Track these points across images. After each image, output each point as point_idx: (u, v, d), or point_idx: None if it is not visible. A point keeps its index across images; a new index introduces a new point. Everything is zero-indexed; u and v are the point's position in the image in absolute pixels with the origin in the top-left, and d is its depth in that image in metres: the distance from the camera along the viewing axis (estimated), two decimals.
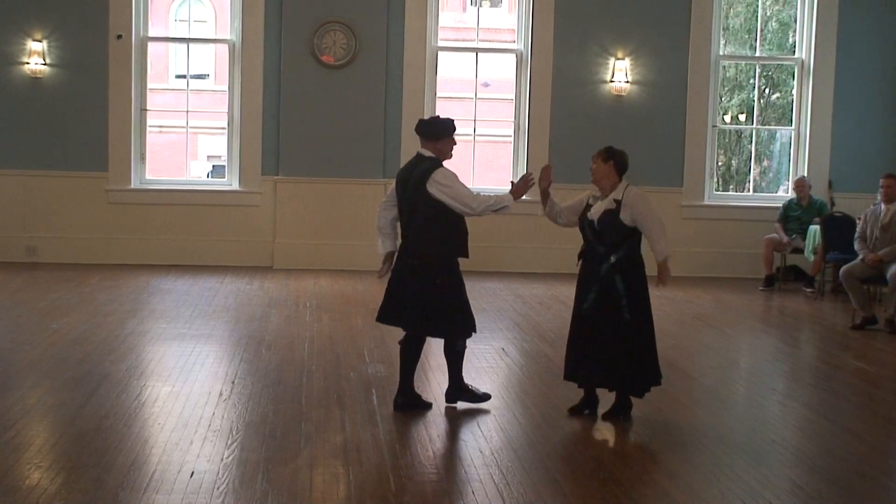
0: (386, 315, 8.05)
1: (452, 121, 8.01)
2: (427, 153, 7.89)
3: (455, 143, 8.01)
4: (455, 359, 8.00)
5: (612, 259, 7.76)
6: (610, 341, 7.75)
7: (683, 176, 16.05)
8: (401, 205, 7.95)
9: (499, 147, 19.89)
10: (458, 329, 7.91)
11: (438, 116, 8.16)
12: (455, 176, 7.79)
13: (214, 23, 28.21)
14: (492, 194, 7.96)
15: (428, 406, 7.98)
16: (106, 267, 14.94)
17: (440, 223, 7.74)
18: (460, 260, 7.90)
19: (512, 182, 8.11)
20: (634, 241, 7.85)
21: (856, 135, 16.12)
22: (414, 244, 7.83)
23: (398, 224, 8.08)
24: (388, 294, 8.02)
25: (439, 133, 7.91)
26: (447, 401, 8.06)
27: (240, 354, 9.71)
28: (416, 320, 7.84)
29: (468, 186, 7.87)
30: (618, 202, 7.78)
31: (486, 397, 8.10)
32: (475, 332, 8.03)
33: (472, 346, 9.55)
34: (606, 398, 7.97)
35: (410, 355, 7.98)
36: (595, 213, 7.84)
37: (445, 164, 7.89)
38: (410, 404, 7.93)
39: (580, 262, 8.01)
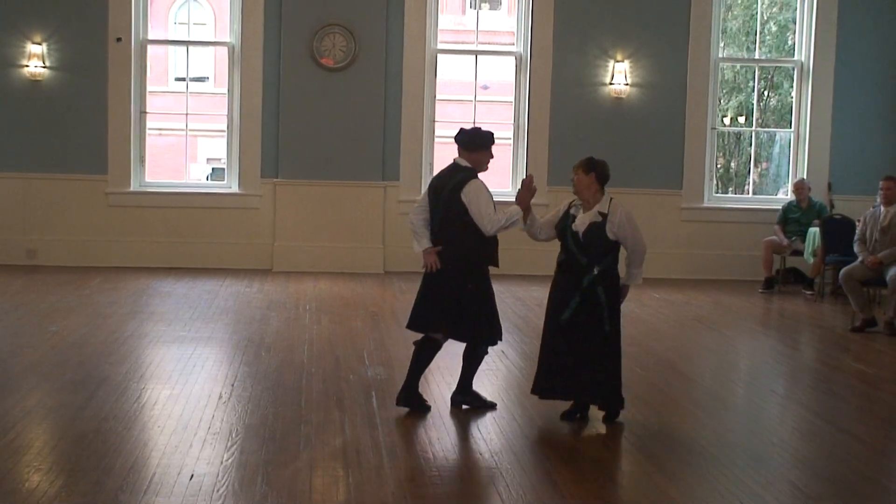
0: (417, 322, 8.10)
1: (493, 134, 8.12)
2: (464, 163, 7.97)
3: (493, 157, 8.10)
4: (473, 363, 8.12)
5: (596, 271, 7.77)
6: (590, 354, 7.75)
7: (683, 178, 16.05)
8: (433, 212, 8.01)
9: (498, 149, 19.81)
10: (484, 335, 8.00)
11: (480, 128, 8.18)
12: (485, 191, 7.89)
13: (214, 25, 28.22)
14: (503, 212, 7.94)
15: (427, 409, 7.97)
16: (105, 269, 14.94)
17: (473, 231, 7.82)
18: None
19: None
20: (616, 255, 7.90)
21: (855, 137, 16.13)
22: (446, 251, 7.90)
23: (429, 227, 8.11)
24: (419, 301, 8.10)
25: (480, 144, 8.00)
26: (453, 403, 8.11)
27: (239, 357, 9.71)
28: (445, 323, 7.92)
29: (493, 204, 7.92)
30: (604, 215, 7.80)
31: (492, 405, 8.12)
32: (500, 340, 8.15)
33: None
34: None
35: (423, 359, 8.05)
36: (580, 225, 7.83)
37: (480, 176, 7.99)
38: (412, 402, 7.95)
39: (557, 271, 8.00)
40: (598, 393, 7.84)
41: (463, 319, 7.87)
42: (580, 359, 7.76)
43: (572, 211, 7.94)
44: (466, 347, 8.09)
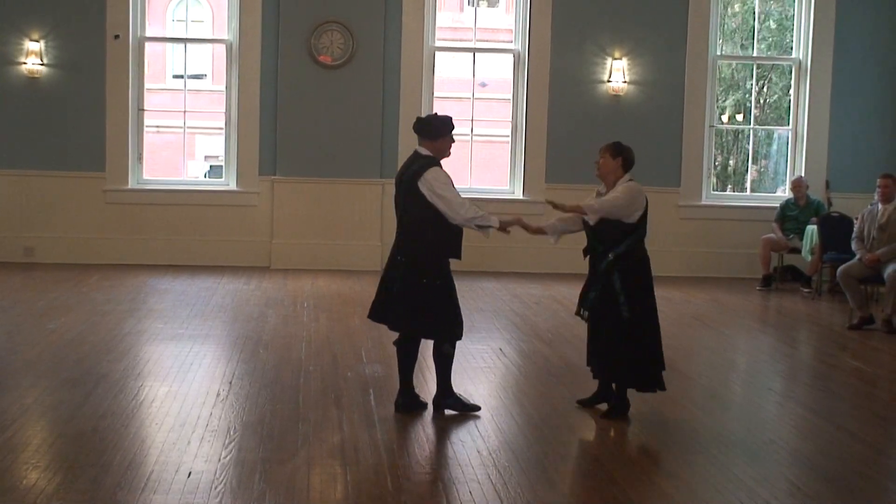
0: (375, 312, 7.97)
1: (450, 118, 7.90)
2: (424, 151, 7.81)
3: (453, 142, 7.91)
4: (442, 363, 7.85)
5: (611, 256, 7.79)
6: (609, 339, 7.77)
7: (681, 176, 16.05)
8: (396, 202, 7.92)
9: (496, 147, 19.89)
10: (441, 331, 7.76)
11: (437, 114, 8.08)
12: (447, 177, 7.69)
13: (212, 23, 28.19)
14: (481, 210, 7.76)
15: (424, 406, 7.95)
16: (103, 267, 14.93)
17: (431, 222, 7.64)
18: (453, 261, 7.81)
19: (524, 220, 8.02)
20: (635, 239, 7.85)
21: (853, 135, 16.13)
22: (405, 242, 7.78)
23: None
24: (379, 291, 7.96)
25: (437, 132, 7.82)
26: (434, 407, 7.92)
27: (237, 354, 9.71)
28: (401, 318, 7.77)
29: (456, 190, 7.74)
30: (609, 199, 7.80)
31: (475, 408, 7.90)
32: (459, 338, 7.85)
33: (470, 346, 9.59)
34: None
35: (407, 356, 7.92)
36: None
37: (444, 163, 7.83)
38: (412, 405, 7.89)
39: (586, 258, 8.03)
40: (617, 371, 7.87)
41: (419, 315, 7.69)
42: (603, 344, 7.83)
43: (595, 198, 7.96)
44: (433, 347, 7.89)
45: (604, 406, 8.01)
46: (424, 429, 7.51)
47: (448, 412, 7.87)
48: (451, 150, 7.95)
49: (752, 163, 18.76)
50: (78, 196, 15.40)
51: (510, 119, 16.18)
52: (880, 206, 12.46)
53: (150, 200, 15.59)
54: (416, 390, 8.03)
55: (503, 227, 7.78)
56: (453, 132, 7.90)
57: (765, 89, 22.36)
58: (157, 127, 23.04)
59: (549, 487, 6.36)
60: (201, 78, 28.10)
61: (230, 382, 8.59)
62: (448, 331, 7.77)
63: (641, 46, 15.84)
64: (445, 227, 7.68)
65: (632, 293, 7.79)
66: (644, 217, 7.90)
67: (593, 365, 8.04)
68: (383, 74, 15.54)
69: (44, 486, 6.04)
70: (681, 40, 15.90)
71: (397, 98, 15.64)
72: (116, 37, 15.26)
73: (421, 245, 7.68)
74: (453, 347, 7.84)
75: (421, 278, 7.65)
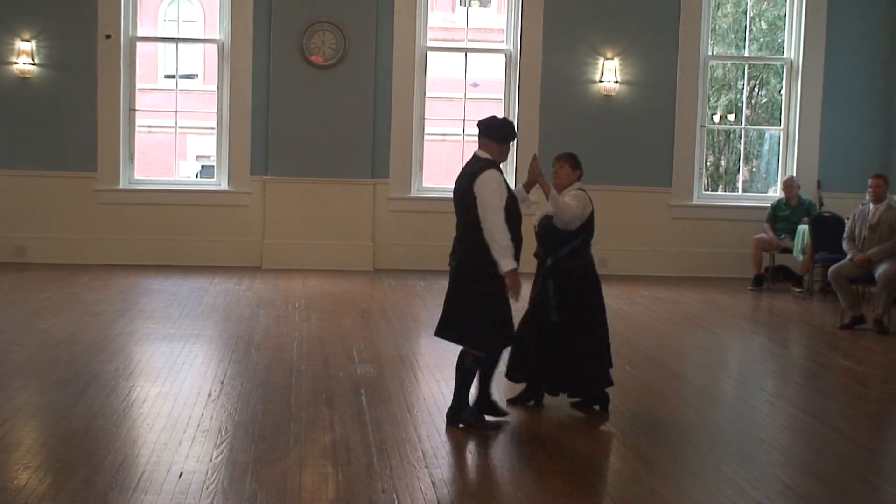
0: (439, 329, 7.65)
1: (514, 125, 7.75)
2: (483, 154, 7.53)
3: (509, 150, 7.73)
4: (462, 374, 7.50)
5: (549, 262, 7.88)
6: (537, 341, 7.85)
7: (672, 176, 16.05)
8: (455, 206, 7.61)
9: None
10: (476, 340, 7.45)
11: (506, 118, 7.82)
12: (500, 185, 7.35)
13: (203, 23, 28.16)
14: (510, 246, 7.30)
15: (505, 414, 7.73)
16: (95, 267, 14.91)
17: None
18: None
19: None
20: (576, 245, 7.87)
21: (844, 135, 16.15)
22: (458, 246, 7.54)
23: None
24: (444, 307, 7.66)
25: (504, 134, 7.56)
26: (448, 421, 7.55)
27: (229, 355, 9.70)
28: (442, 323, 7.58)
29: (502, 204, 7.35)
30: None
31: (494, 426, 7.48)
32: (501, 347, 7.61)
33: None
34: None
35: (489, 365, 7.64)
36: (538, 217, 7.98)
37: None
38: (490, 411, 7.65)
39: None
40: (554, 377, 7.91)
41: (460, 320, 7.47)
42: (539, 350, 7.87)
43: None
44: (459, 355, 7.59)
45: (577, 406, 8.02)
46: (416, 428, 7.50)
47: (461, 426, 7.55)
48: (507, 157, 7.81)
49: (744, 163, 18.77)
50: (69, 196, 15.37)
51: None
52: (871, 205, 12.48)
53: (142, 200, 15.56)
54: (410, 390, 8.02)
55: (509, 276, 7.32)
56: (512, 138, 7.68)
57: (756, 90, 22.38)
58: (149, 127, 23.03)
59: (540, 487, 6.35)
60: (193, 78, 28.05)
61: (222, 383, 8.58)
62: (485, 341, 7.46)
63: (633, 46, 15.84)
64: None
65: (565, 298, 7.82)
66: (588, 223, 7.89)
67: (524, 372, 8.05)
68: (375, 74, 15.53)
69: (35, 486, 6.03)
70: (672, 40, 15.91)
71: (389, 98, 15.63)
72: (108, 37, 15.23)
73: (474, 250, 7.39)
74: (476, 362, 7.52)
75: (471, 283, 7.41)
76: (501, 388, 8.37)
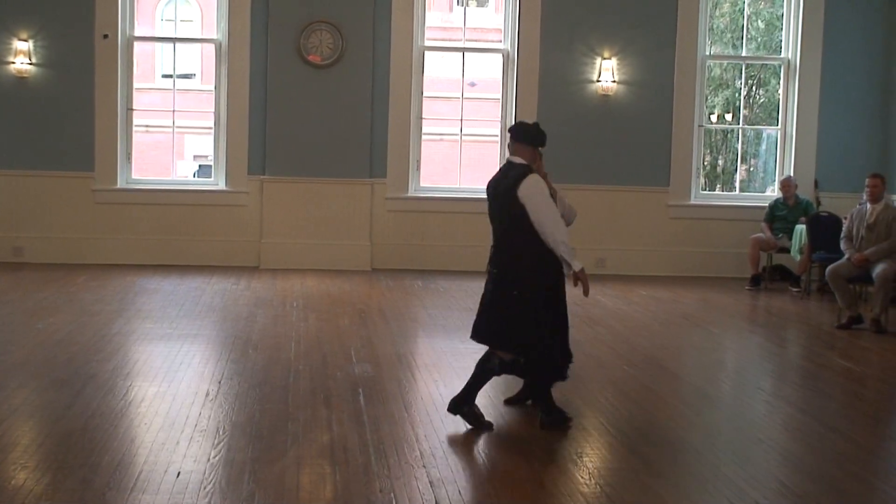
0: (474, 331, 7.70)
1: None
2: (518, 160, 7.56)
3: (541, 155, 7.79)
4: (481, 371, 7.59)
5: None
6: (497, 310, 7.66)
7: (670, 175, 16.06)
8: (491, 213, 7.64)
9: (485, 147, 19.85)
10: (510, 343, 7.54)
11: (537, 123, 7.84)
12: (546, 188, 7.46)
13: (201, 22, 28.15)
14: (572, 247, 7.44)
15: (569, 419, 7.66)
16: (92, 267, 14.90)
17: (527, 232, 7.39)
18: None
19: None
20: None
21: (842, 134, 16.16)
22: (497, 253, 7.56)
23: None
24: (479, 311, 7.71)
25: (539, 139, 7.65)
26: (448, 408, 7.61)
27: (226, 354, 9.69)
28: (478, 327, 7.62)
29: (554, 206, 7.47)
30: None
31: (489, 426, 7.55)
32: (528, 355, 7.56)
33: (461, 344, 9.55)
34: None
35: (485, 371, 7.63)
36: None
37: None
38: (559, 420, 7.62)
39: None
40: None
41: (497, 322, 7.52)
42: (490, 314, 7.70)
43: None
44: (486, 353, 7.65)
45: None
46: (414, 428, 7.50)
47: (461, 419, 7.58)
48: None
49: (742, 162, 18.81)
50: (67, 196, 15.36)
51: (499, 119, 16.18)
52: (869, 205, 12.48)
53: (140, 200, 15.56)
54: (407, 390, 8.02)
55: (577, 276, 7.46)
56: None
57: (753, 89, 22.40)
58: (147, 126, 23.03)
59: (537, 486, 6.36)
60: (190, 77, 28.06)
61: (219, 382, 8.58)
62: (519, 347, 7.53)
63: (631, 46, 15.85)
64: (541, 238, 7.43)
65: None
66: None
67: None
68: (372, 74, 15.53)
69: (32, 486, 6.02)
70: (670, 40, 15.91)
71: (386, 98, 15.62)
72: (105, 36, 15.23)
73: (515, 256, 7.43)
74: (500, 366, 7.58)
75: (512, 289, 7.44)
76: (501, 389, 8.37)
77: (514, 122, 7.74)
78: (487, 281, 7.66)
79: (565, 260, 7.39)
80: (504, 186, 7.47)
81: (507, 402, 8.14)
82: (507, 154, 7.73)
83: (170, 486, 6.07)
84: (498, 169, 7.87)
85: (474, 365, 7.83)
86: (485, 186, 7.85)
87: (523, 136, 7.64)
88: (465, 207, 14.99)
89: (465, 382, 7.66)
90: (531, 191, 7.35)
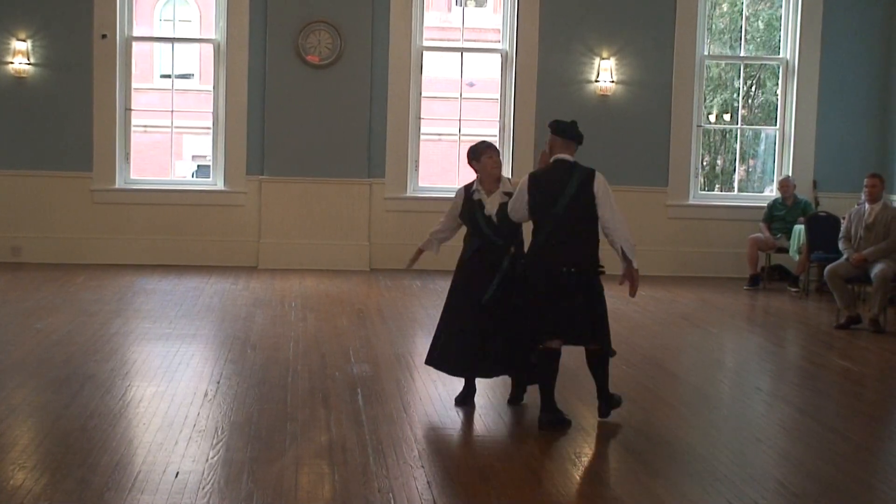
0: (556, 332, 7.56)
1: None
2: (569, 157, 7.60)
3: None
4: (541, 377, 7.61)
5: (513, 250, 7.87)
6: (511, 327, 7.76)
7: (668, 175, 16.06)
8: (540, 212, 7.55)
9: None
10: (608, 336, 7.72)
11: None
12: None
13: (199, 22, 28.15)
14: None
15: (568, 423, 7.61)
16: (91, 267, 14.90)
17: (596, 228, 7.55)
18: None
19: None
20: (521, 230, 7.95)
21: (840, 134, 16.16)
22: (574, 251, 7.53)
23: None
24: (550, 312, 7.55)
25: (580, 137, 7.69)
26: (542, 426, 7.51)
27: (225, 354, 9.69)
28: (585, 331, 7.60)
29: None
30: (508, 195, 7.84)
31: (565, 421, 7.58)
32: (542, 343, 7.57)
33: None
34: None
35: (551, 371, 7.60)
36: (492, 208, 7.91)
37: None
38: (556, 420, 7.58)
39: (473, 257, 7.98)
40: (517, 359, 7.83)
41: (600, 322, 7.61)
42: (502, 336, 7.79)
43: (475, 196, 8.00)
44: (593, 357, 7.70)
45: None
46: (412, 428, 7.50)
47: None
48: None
49: (740, 162, 18.81)
50: (65, 196, 15.36)
51: (498, 119, 16.18)
52: (867, 205, 12.48)
53: (138, 200, 15.56)
54: (405, 391, 8.02)
55: (632, 274, 7.60)
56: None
57: (752, 89, 22.40)
58: (145, 127, 22.98)
59: (536, 486, 6.36)
60: (189, 78, 28.05)
61: (218, 382, 8.58)
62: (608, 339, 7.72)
63: (629, 46, 15.85)
64: (596, 235, 7.58)
65: (512, 285, 7.82)
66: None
67: (485, 366, 7.97)
68: (371, 74, 15.53)
69: (31, 486, 6.02)
70: (669, 40, 15.91)
71: (385, 98, 15.62)
72: (104, 36, 15.22)
73: (590, 249, 7.57)
74: (538, 358, 7.60)
75: (595, 283, 7.57)
76: (501, 389, 8.37)
77: (553, 120, 7.71)
78: (559, 283, 7.48)
79: (628, 257, 7.52)
80: (576, 183, 7.48)
81: (510, 402, 8.14)
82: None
83: (168, 486, 6.07)
84: (540, 168, 7.82)
85: None
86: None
87: (570, 133, 7.67)
88: None
89: (539, 397, 7.61)
90: (605, 187, 7.51)
